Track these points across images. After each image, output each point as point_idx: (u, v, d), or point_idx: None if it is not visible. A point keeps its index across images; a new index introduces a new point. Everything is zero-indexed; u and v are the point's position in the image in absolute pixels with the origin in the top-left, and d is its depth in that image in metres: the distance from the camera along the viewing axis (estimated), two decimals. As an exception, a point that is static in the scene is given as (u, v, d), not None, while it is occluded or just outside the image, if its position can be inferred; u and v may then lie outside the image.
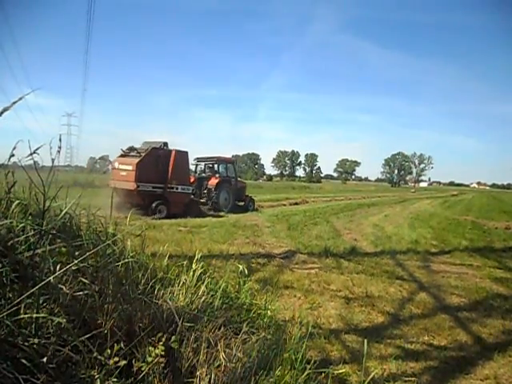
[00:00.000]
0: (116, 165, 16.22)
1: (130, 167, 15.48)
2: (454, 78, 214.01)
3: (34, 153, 2.27)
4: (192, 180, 18.71)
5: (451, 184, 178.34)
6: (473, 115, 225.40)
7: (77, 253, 2.43)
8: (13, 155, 2.75)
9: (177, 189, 16.61)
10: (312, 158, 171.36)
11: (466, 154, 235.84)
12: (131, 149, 16.86)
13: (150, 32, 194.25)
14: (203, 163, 21.31)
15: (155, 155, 16.22)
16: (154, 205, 15.55)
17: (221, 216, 17.54)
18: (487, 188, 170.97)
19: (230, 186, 20.42)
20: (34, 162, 2.54)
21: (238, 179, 22.44)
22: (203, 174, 20.82)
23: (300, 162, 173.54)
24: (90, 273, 2.30)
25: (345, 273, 7.63)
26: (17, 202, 2.86)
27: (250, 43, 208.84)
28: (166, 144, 16.93)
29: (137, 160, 15.54)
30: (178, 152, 16.91)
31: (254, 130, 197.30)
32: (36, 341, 1.71)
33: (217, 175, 20.15)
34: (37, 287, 1.71)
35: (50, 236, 2.34)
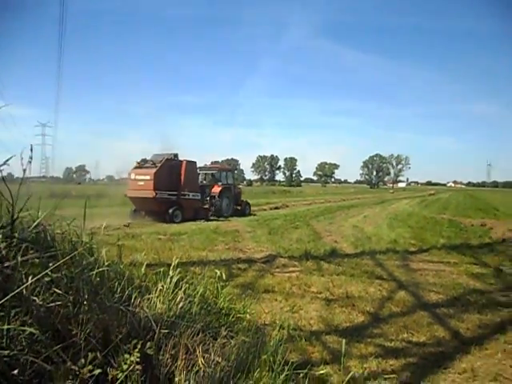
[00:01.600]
0: (132, 176, 17.74)
1: (147, 177, 17.13)
2: (429, 80, 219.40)
3: (5, 164, 2.23)
4: None
5: (428, 183, 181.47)
6: (448, 115, 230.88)
7: (50, 264, 2.39)
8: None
9: (189, 195, 18.52)
10: (291, 162, 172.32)
11: (442, 154, 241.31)
12: (144, 161, 18.58)
13: (126, 40, 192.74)
14: (205, 171, 22.56)
15: (169, 165, 17.99)
16: (170, 211, 17.25)
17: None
18: (463, 187, 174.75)
19: (230, 193, 21.92)
20: (5, 174, 2.51)
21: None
22: (204, 182, 21.92)
23: (279, 166, 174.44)
24: (65, 283, 2.27)
25: (325, 275, 7.68)
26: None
27: (226, 50, 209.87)
28: (176, 155, 18.66)
29: (154, 170, 17.19)
30: (188, 162, 18.97)
31: (232, 135, 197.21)
32: (6, 353, 1.68)
33: (219, 183, 21.55)
34: (5, 298, 1.68)
35: (23, 247, 2.29)
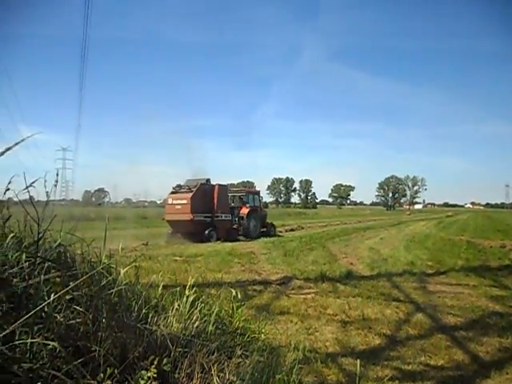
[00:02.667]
0: (170, 201, 19.23)
1: (184, 201, 18.57)
2: (439, 101, 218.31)
3: (30, 186, 2.35)
4: None
5: (446, 205, 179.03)
6: (460, 137, 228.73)
7: (71, 283, 2.47)
8: (8, 189, 2.83)
9: (221, 217, 19.89)
10: (306, 184, 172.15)
11: (458, 175, 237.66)
12: (179, 186, 19.97)
13: (144, 65, 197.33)
14: (233, 194, 23.83)
15: (203, 190, 19.38)
16: (206, 232, 18.63)
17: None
18: (481, 208, 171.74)
19: (257, 215, 22.98)
20: (30, 196, 2.64)
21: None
22: (233, 204, 22.77)
23: (295, 188, 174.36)
24: (84, 301, 2.34)
25: (341, 297, 7.62)
26: (11, 234, 2.92)
27: (242, 74, 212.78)
28: (208, 180, 20.13)
29: (190, 195, 18.59)
30: (220, 186, 20.49)
31: (248, 158, 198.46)
32: (29, 366, 1.74)
33: (247, 205, 22.70)
34: (29, 314, 1.76)
35: (45, 266, 2.38)
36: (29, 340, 1.75)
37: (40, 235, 2.22)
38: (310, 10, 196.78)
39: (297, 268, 10.63)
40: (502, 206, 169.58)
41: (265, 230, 23.28)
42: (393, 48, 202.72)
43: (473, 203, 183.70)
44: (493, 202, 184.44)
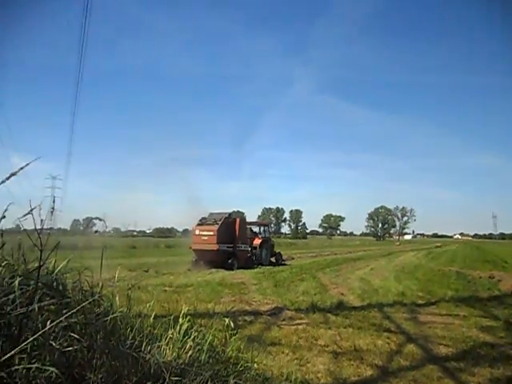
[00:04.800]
0: (197, 232, 20.88)
1: (211, 233, 20.29)
2: (429, 134, 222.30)
3: (28, 214, 2.38)
4: None
5: (435, 236, 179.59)
6: (448, 168, 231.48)
7: (64, 310, 2.48)
8: (4, 217, 2.86)
9: (241, 247, 21.82)
10: (297, 215, 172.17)
11: (447, 206, 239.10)
12: (204, 218, 21.99)
13: (138, 94, 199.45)
14: (247, 226, 24.78)
15: (227, 223, 21.25)
16: (230, 261, 20.38)
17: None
18: (470, 238, 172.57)
19: (268, 245, 24.84)
20: (19, 225, 2.66)
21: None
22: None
23: (285, 218, 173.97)
24: (79, 329, 2.35)
25: (332, 327, 7.59)
26: (5, 262, 2.93)
27: (233, 105, 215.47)
28: (231, 214, 22.58)
29: (216, 227, 20.39)
30: (241, 219, 22.90)
31: (238, 188, 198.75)
32: None
33: (259, 236, 24.77)
34: (28, 341, 1.77)
35: (39, 294, 2.40)
36: (28, 366, 1.76)
37: (42, 262, 2.24)
38: (301, 43, 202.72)
39: (287, 298, 10.57)
40: (490, 236, 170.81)
41: (273, 258, 25.13)
42: (382, 81, 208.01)
43: (461, 234, 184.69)
44: (481, 233, 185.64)
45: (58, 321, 2.08)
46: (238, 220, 22.35)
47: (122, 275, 14.01)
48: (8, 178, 2.37)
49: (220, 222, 20.83)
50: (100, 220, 2.74)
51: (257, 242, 23.76)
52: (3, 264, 2.90)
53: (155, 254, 32.76)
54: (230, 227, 21.62)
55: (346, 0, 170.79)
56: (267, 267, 21.76)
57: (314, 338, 6.87)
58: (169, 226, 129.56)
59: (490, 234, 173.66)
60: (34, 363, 1.89)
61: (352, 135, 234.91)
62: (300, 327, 7.56)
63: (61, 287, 3.20)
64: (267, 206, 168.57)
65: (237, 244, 21.50)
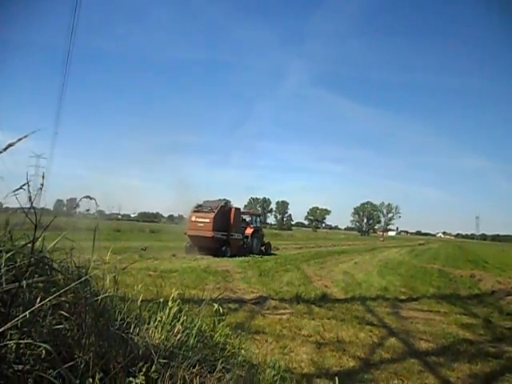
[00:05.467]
0: (193, 218, 21.55)
1: (206, 220, 20.94)
2: (420, 132, 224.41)
3: (19, 189, 2.32)
4: None
5: (418, 233, 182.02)
6: (436, 167, 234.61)
7: (53, 289, 2.44)
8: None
9: (234, 235, 22.56)
10: (283, 206, 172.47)
11: (431, 205, 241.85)
12: (200, 205, 22.58)
13: (128, 80, 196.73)
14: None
15: (222, 211, 21.87)
16: (223, 248, 21.14)
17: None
18: (452, 238, 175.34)
19: (259, 234, 25.74)
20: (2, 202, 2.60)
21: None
22: None
23: (271, 209, 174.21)
24: (68, 308, 2.31)
25: (316, 318, 7.66)
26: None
27: (224, 93, 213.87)
28: (227, 202, 23.05)
29: (212, 215, 21.06)
30: (236, 209, 23.39)
31: (226, 176, 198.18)
32: (20, 367, 1.71)
33: (251, 225, 25.36)
34: (18, 318, 1.73)
35: (28, 271, 2.34)
36: (20, 341, 1.73)
37: (36, 238, 2.19)
38: (296, 36, 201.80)
39: (272, 288, 10.63)
40: (472, 237, 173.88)
41: (263, 248, 25.57)
42: (375, 77, 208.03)
43: (444, 233, 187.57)
44: (463, 233, 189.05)
45: (49, 298, 2.04)
46: (233, 209, 23.03)
47: (106, 258, 13.95)
48: (5, 149, 2.30)
49: (216, 210, 21.47)
50: (91, 199, 2.67)
51: (248, 231, 24.53)
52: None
53: (140, 238, 32.53)
54: (225, 215, 22.28)
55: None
56: (252, 256, 21.95)
57: (298, 328, 6.92)
58: (154, 211, 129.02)
59: (472, 234, 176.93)
60: (25, 339, 1.85)
61: (343, 130, 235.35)
62: (284, 317, 7.61)
63: (49, 265, 3.15)
64: (254, 196, 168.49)
65: (230, 232, 22.21)
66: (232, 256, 20.74)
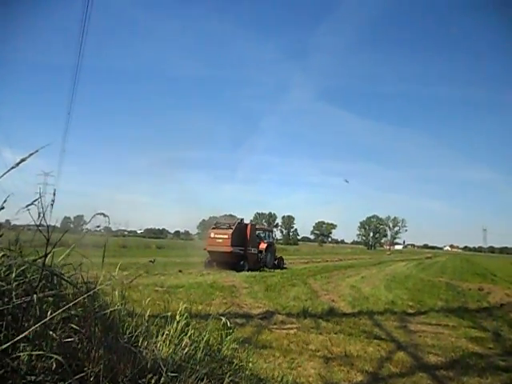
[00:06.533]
0: (212, 234, 22.66)
1: (225, 236, 22.04)
2: (425, 145, 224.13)
3: (31, 205, 2.38)
4: None
5: (425, 247, 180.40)
6: (443, 180, 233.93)
7: (63, 303, 2.48)
8: (3, 208, 2.84)
9: (251, 250, 23.57)
10: (289, 220, 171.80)
11: (438, 218, 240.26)
12: (218, 222, 23.65)
13: (133, 96, 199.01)
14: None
15: (239, 227, 23.06)
16: (241, 262, 22.05)
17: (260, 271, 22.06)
18: (460, 251, 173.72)
19: (272, 249, 26.55)
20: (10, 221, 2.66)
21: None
22: None
23: (277, 223, 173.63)
24: (78, 320, 2.34)
25: (323, 333, 7.61)
26: (1, 253, 2.90)
27: (230, 108, 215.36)
28: (242, 219, 24.18)
29: (230, 231, 22.15)
30: (252, 225, 25.10)
31: (232, 191, 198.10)
32: (33, 378, 1.74)
33: (265, 241, 26.14)
34: (30, 330, 1.77)
35: (39, 286, 2.38)
36: (33, 352, 1.76)
37: (47, 253, 2.24)
38: (301, 50, 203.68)
39: (278, 303, 10.59)
40: (480, 249, 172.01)
41: (276, 262, 26.26)
42: (380, 91, 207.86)
43: (451, 246, 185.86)
44: (471, 246, 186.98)
45: (59, 311, 2.08)
46: (249, 225, 24.33)
47: (113, 273, 13.97)
48: (9, 170, 2.36)
49: (234, 227, 22.58)
50: (104, 216, 2.71)
51: (262, 246, 25.32)
52: (1, 255, 2.87)
53: (146, 254, 32.59)
54: (242, 231, 23.39)
55: (348, 9, 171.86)
56: (263, 270, 22.92)
57: (305, 342, 6.88)
58: (160, 227, 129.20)
59: (480, 247, 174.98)
60: (36, 351, 1.88)
61: (348, 144, 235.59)
62: (291, 331, 7.57)
63: (61, 278, 3.19)
64: (260, 211, 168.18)
65: (247, 247, 23.28)
66: (249, 270, 21.55)
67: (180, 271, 18.61)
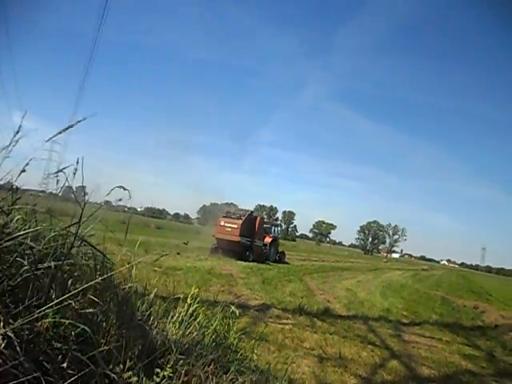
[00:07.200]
0: (222, 223, 23.38)
1: (235, 226, 22.78)
2: (435, 156, 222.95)
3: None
4: None
5: (422, 258, 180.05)
6: (447, 194, 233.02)
7: (76, 273, 2.47)
8: (24, 171, 2.82)
9: (257, 242, 24.36)
10: (289, 216, 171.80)
11: (438, 231, 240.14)
12: (229, 212, 24.76)
13: (148, 74, 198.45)
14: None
15: (249, 219, 23.87)
16: (247, 252, 22.74)
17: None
18: (456, 266, 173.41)
19: (276, 243, 27.62)
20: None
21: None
22: None
23: (277, 218, 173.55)
24: (95, 292, 2.33)
25: (318, 332, 7.63)
26: (18, 216, 2.88)
27: (245, 97, 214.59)
28: (252, 212, 25.42)
29: (240, 221, 22.94)
30: (261, 218, 25.88)
31: (236, 180, 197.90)
32: (59, 345, 1.73)
33: (270, 234, 27.09)
34: (59, 299, 1.76)
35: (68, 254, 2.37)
36: (62, 320, 1.75)
37: (83, 218, 2.23)
38: (320, 49, 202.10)
39: (275, 297, 10.62)
40: (477, 267, 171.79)
41: (278, 257, 27.15)
42: (395, 98, 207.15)
43: (449, 260, 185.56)
44: (468, 263, 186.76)
45: (94, 282, 2.07)
46: (258, 218, 25.25)
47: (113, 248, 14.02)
48: (64, 130, 2.36)
49: (244, 218, 23.44)
50: (124, 189, 2.68)
51: (267, 239, 26.20)
52: (17, 217, 2.86)
53: (145, 232, 32.66)
54: (251, 223, 24.17)
55: (376, 11, 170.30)
56: (268, 263, 23.68)
57: (300, 339, 6.91)
58: (161, 208, 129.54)
59: (477, 265, 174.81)
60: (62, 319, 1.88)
61: (357, 147, 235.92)
62: (286, 327, 7.59)
63: (91, 245, 3.16)
64: (261, 203, 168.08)
65: (254, 239, 24.03)
66: (253, 261, 22.19)
67: (178, 253, 18.66)
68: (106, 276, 2.24)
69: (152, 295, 3.56)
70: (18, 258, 1.98)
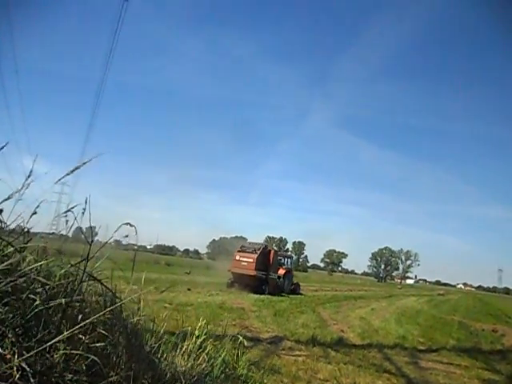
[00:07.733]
0: (237, 257, 23.66)
1: (250, 260, 23.02)
2: (442, 179, 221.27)
3: (68, 211, 2.48)
4: None
5: (437, 283, 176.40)
6: (459, 216, 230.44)
7: (87, 309, 2.54)
8: (35, 213, 2.95)
9: (272, 275, 24.29)
10: (300, 247, 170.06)
11: (452, 254, 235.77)
12: (244, 246, 25.05)
13: (153, 112, 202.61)
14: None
15: (264, 252, 24.11)
16: (263, 286, 22.78)
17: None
18: (473, 290, 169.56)
19: (290, 275, 27.60)
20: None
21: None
22: None
23: (287, 249, 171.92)
24: (104, 326, 2.39)
25: (332, 362, 7.51)
26: (30, 257, 2.99)
27: (248, 130, 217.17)
28: (266, 245, 25.86)
29: (255, 255, 23.18)
30: (274, 251, 26.08)
31: (243, 213, 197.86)
32: (70, 376, 1.79)
33: (283, 266, 27.18)
34: (69, 332, 1.83)
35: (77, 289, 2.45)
36: (72, 351, 1.81)
37: (90, 255, 2.32)
38: (321, 78, 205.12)
39: (287, 329, 10.50)
40: (494, 290, 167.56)
41: (292, 288, 27.19)
42: (399, 123, 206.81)
43: (465, 284, 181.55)
44: (485, 285, 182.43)
45: (97, 316, 2.14)
46: (272, 251, 25.45)
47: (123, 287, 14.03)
48: (72, 171, 2.48)
49: (259, 252, 23.67)
50: (131, 226, 2.78)
51: (281, 271, 26.27)
52: (29, 259, 2.96)
53: (155, 270, 32.56)
54: (266, 256, 24.34)
55: (372, 38, 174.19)
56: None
57: (314, 371, 6.80)
58: (170, 244, 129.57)
59: (494, 287, 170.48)
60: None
61: (363, 173, 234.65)
62: (300, 359, 7.49)
63: (99, 281, 3.24)
64: (270, 235, 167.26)
65: (269, 272, 24.07)
66: (269, 294, 22.06)
67: (189, 289, 18.58)
68: (113, 306, 2.30)
69: (162, 329, 3.62)
70: (30, 295, 2.07)
